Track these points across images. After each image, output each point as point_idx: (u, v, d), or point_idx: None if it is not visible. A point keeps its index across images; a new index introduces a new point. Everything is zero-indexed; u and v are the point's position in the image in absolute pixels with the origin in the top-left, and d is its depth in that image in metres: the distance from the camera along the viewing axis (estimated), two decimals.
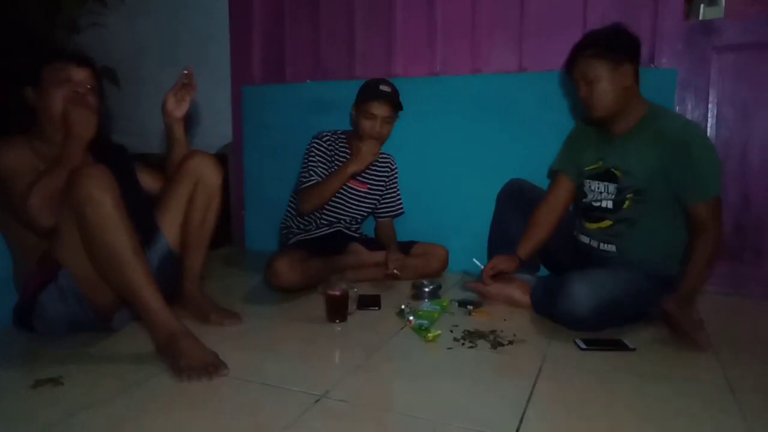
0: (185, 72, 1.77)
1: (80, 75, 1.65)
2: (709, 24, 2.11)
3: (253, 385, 1.31)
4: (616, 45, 1.78)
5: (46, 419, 1.14)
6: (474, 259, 2.07)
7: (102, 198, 1.36)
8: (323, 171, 2.27)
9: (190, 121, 1.93)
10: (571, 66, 1.85)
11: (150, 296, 1.38)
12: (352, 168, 2.17)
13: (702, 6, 2.17)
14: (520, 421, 1.15)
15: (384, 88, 2.24)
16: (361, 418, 1.17)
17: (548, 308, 1.78)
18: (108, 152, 1.77)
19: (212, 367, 1.34)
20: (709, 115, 2.13)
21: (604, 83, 1.77)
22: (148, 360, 1.44)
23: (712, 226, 1.70)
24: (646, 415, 1.19)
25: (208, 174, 1.78)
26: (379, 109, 2.24)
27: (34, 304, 1.51)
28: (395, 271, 2.16)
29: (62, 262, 1.48)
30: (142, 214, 1.72)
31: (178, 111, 1.79)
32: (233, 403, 1.23)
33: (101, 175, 1.39)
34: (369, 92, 2.25)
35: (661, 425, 1.15)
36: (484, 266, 2.00)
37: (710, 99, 2.13)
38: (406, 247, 2.36)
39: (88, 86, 1.66)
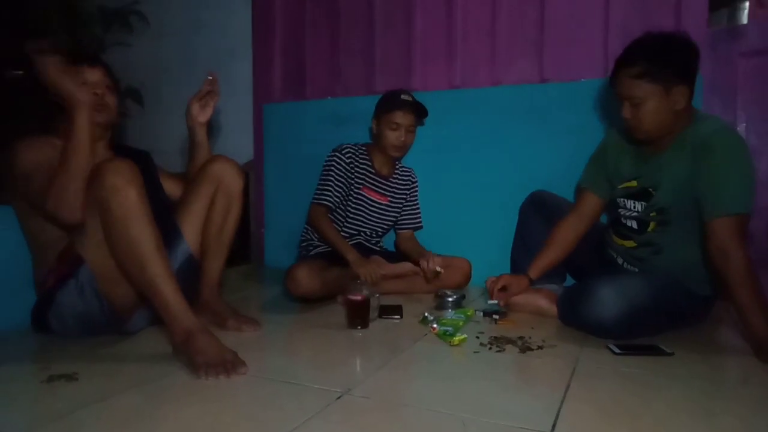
0: (209, 78, 1.79)
1: (95, 76, 1.63)
2: (734, 30, 2.09)
3: (272, 383, 1.26)
4: (667, 65, 1.53)
5: (59, 410, 1.10)
6: (489, 302, 1.90)
7: (127, 190, 1.34)
8: (339, 186, 2.26)
9: (210, 136, 1.94)
10: (614, 80, 1.63)
11: (169, 292, 1.35)
12: (352, 259, 2.03)
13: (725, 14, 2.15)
14: (556, 418, 1.07)
15: (405, 97, 2.25)
16: (386, 413, 1.10)
17: (575, 316, 1.69)
18: (131, 155, 1.77)
19: (230, 364, 1.30)
20: (738, 120, 2.09)
21: (651, 108, 1.56)
22: (163, 360, 1.40)
23: (732, 250, 1.45)
24: (690, 412, 1.11)
25: (230, 178, 1.77)
26: (403, 119, 2.24)
27: (52, 301, 1.49)
28: (438, 268, 2.08)
29: (84, 257, 1.46)
30: (164, 217, 1.70)
31: (202, 116, 1.81)
32: (251, 397, 1.17)
33: (127, 167, 1.38)
34: (391, 102, 2.25)
35: (707, 422, 1.07)
36: (490, 282, 1.91)
37: (738, 105, 2.09)
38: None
39: (106, 86, 1.65)
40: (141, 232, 1.35)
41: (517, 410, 1.11)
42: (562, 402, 1.15)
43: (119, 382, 1.26)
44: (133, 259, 1.36)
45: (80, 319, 1.51)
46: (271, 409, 1.11)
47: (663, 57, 1.54)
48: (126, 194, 1.34)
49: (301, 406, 1.12)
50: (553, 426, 1.04)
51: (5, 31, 2.70)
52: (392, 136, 2.25)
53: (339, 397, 1.17)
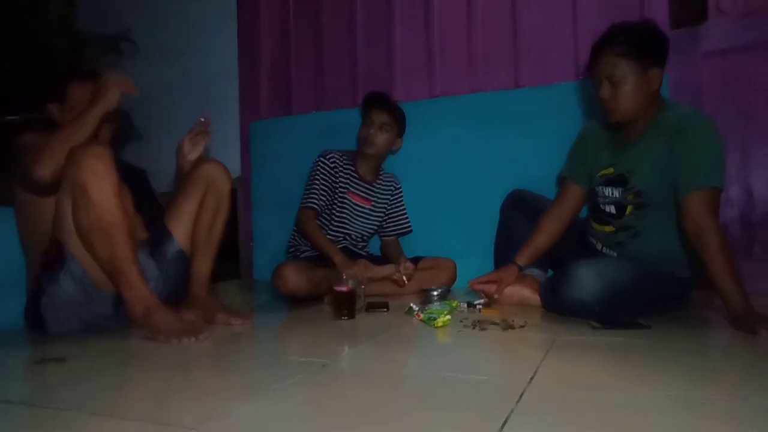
0: (202, 120, 1.86)
1: None
2: (697, 31, 2.21)
3: (260, 356, 1.30)
4: (646, 46, 1.65)
5: (51, 381, 1.13)
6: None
7: (106, 176, 1.43)
8: (325, 190, 2.33)
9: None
10: (593, 62, 1.72)
11: (133, 273, 1.45)
12: (339, 261, 2.11)
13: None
14: (534, 373, 1.11)
15: (383, 97, 2.40)
16: (370, 375, 1.14)
17: (556, 299, 1.73)
18: (127, 171, 1.79)
19: (189, 332, 1.40)
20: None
21: (630, 87, 1.65)
22: (152, 343, 1.43)
23: (707, 223, 1.51)
24: (667, 367, 1.15)
25: (219, 179, 1.83)
26: (376, 115, 2.35)
27: (42, 291, 1.52)
28: (404, 277, 2.15)
29: (66, 245, 1.51)
30: (156, 217, 1.77)
31: (193, 154, 1.88)
32: (240, 366, 1.21)
33: (106, 153, 1.46)
34: (368, 101, 2.41)
35: (688, 374, 1.11)
36: (483, 280, 1.94)
37: (703, 103, 2.18)
38: (413, 263, 2.34)
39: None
40: (115, 216, 1.44)
41: (498, 369, 1.16)
42: (541, 361, 1.19)
43: (107, 360, 1.30)
44: (104, 241, 1.44)
45: (75, 312, 1.54)
46: (259, 373, 1.15)
47: (643, 39, 1.66)
48: (106, 180, 1.43)
49: (288, 371, 1.15)
50: (531, 378, 1.07)
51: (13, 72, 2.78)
52: (363, 131, 2.38)
53: (324, 365, 1.20)
